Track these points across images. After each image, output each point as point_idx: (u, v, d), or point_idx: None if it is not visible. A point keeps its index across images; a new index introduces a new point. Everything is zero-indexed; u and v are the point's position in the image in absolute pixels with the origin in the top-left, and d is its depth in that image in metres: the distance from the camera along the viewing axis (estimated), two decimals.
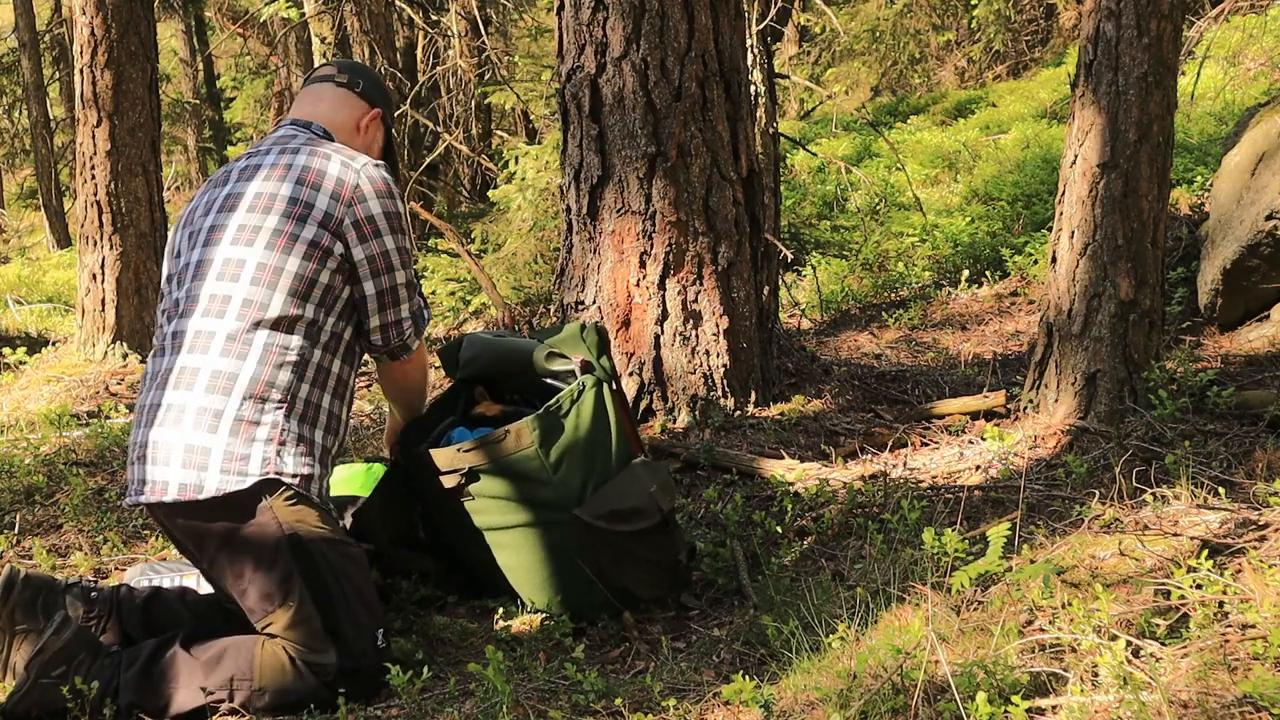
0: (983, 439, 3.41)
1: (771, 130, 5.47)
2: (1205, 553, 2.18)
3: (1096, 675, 1.80)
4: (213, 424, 2.17)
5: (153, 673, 2.18)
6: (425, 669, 2.17)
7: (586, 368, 2.55)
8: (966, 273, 6.34)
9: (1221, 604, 1.99)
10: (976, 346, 5.17)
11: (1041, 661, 1.89)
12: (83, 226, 6.29)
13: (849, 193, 8.04)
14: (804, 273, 6.88)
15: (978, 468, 3.24)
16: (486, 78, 9.56)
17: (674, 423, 3.72)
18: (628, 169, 3.66)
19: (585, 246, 3.81)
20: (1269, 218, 4.16)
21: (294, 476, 2.20)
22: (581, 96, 3.71)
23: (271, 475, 2.17)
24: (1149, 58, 3.27)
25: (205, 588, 2.51)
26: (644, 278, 3.71)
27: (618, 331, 3.75)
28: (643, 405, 3.75)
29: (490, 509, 2.49)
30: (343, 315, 2.32)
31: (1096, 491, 2.81)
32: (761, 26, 5.37)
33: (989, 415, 3.69)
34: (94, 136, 6.15)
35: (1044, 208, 6.75)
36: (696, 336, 3.73)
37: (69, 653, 2.17)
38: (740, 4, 3.89)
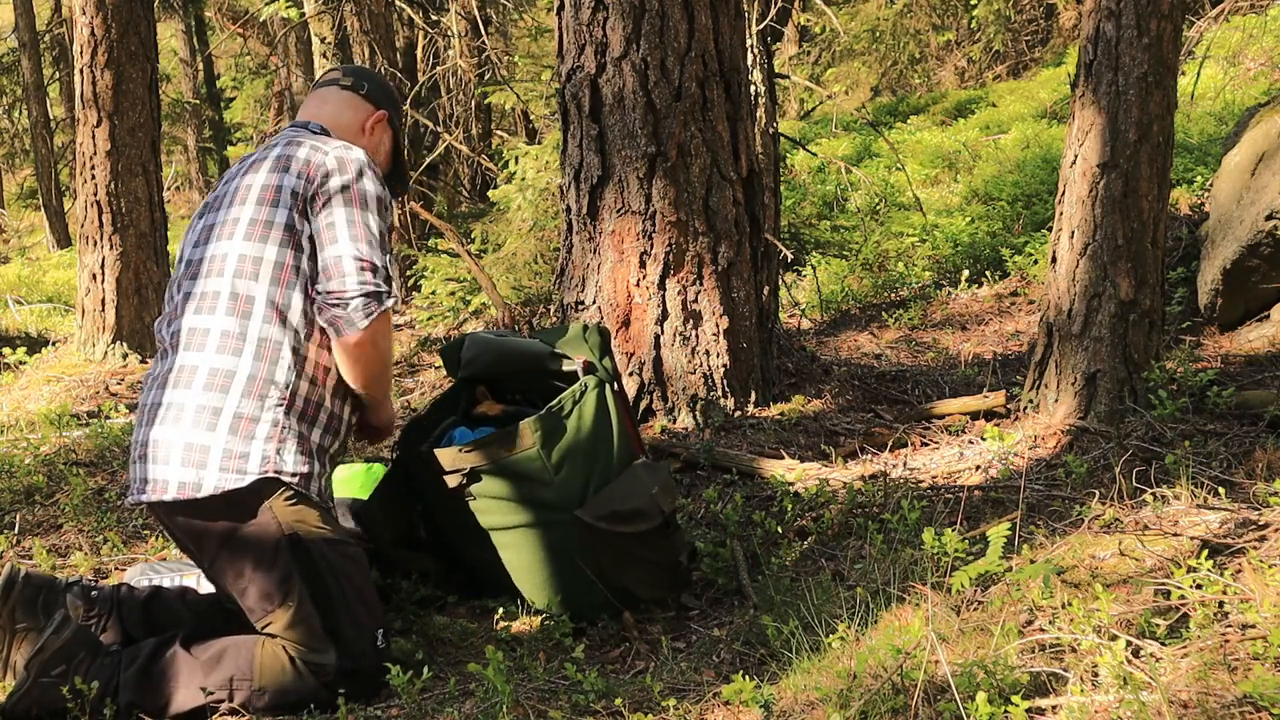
0: (983, 439, 3.41)
1: (771, 130, 5.47)
2: (1205, 553, 2.18)
3: (1096, 675, 1.81)
4: (211, 422, 2.17)
5: (152, 672, 2.18)
6: (425, 669, 2.17)
7: (589, 368, 2.55)
8: (966, 273, 6.34)
9: (1221, 604, 1.99)
10: (976, 346, 5.17)
11: (1041, 661, 1.89)
12: (83, 226, 6.29)
13: (849, 193, 8.04)
14: (804, 273, 6.88)
15: (978, 468, 3.24)
16: (486, 78, 9.56)
17: (674, 423, 3.72)
18: (628, 169, 3.66)
19: (585, 246, 3.81)
20: (1269, 218, 4.16)
21: (293, 475, 2.20)
22: (581, 96, 3.71)
23: (271, 473, 2.17)
24: (1149, 58, 3.27)
25: (206, 587, 2.51)
26: (644, 278, 3.71)
27: (618, 331, 3.75)
28: (643, 405, 3.75)
29: (491, 509, 2.49)
30: None
31: (1096, 491, 2.81)
32: (761, 26, 5.37)
33: (989, 415, 3.69)
34: (94, 136, 6.15)
35: (1044, 208, 6.76)
36: (696, 336, 3.73)
37: (69, 651, 2.17)
38: (740, 4, 3.89)
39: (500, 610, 2.54)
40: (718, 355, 3.74)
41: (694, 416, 3.72)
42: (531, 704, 2.10)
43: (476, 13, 8.98)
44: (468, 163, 10.42)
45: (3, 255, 15.53)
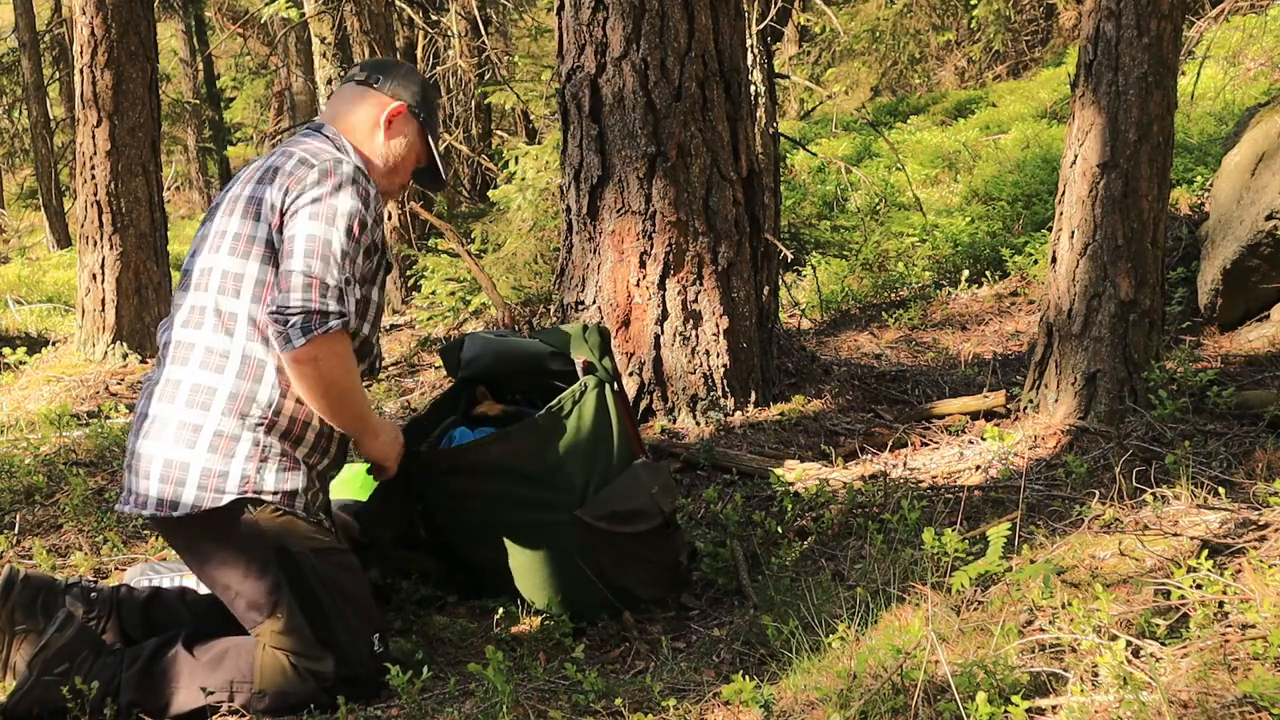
0: (983, 439, 3.41)
1: (771, 130, 5.47)
2: (1205, 553, 2.18)
3: (1096, 675, 1.81)
4: (191, 439, 2.15)
5: (154, 672, 2.18)
6: (425, 669, 2.17)
7: (589, 368, 2.55)
8: (966, 273, 6.34)
9: (1221, 604, 2.00)
10: (976, 346, 5.17)
11: (1041, 661, 1.89)
12: (83, 226, 6.29)
13: (849, 193, 8.04)
14: (804, 273, 6.88)
15: (978, 468, 3.24)
16: (486, 78, 9.56)
17: (674, 423, 3.72)
18: (628, 169, 3.66)
19: (585, 246, 3.81)
20: (1269, 218, 4.16)
21: (275, 493, 2.17)
22: (581, 96, 3.71)
23: (250, 494, 2.15)
24: (1149, 58, 3.27)
25: (205, 588, 2.51)
26: (644, 278, 3.71)
27: (618, 331, 3.75)
28: (643, 405, 3.75)
29: (491, 509, 2.49)
30: None
31: (1096, 491, 2.81)
32: (761, 26, 5.37)
33: (989, 415, 3.69)
34: (94, 136, 6.15)
35: (1044, 208, 6.75)
36: (696, 336, 3.73)
37: (72, 650, 2.17)
38: (740, 4, 3.89)
39: (500, 610, 2.54)
40: (718, 355, 3.74)
41: (694, 416, 3.72)
42: (531, 704, 2.10)
43: (476, 13, 8.99)
44: (468, 163, 10.42)
45: (3, 255, 15.54)
